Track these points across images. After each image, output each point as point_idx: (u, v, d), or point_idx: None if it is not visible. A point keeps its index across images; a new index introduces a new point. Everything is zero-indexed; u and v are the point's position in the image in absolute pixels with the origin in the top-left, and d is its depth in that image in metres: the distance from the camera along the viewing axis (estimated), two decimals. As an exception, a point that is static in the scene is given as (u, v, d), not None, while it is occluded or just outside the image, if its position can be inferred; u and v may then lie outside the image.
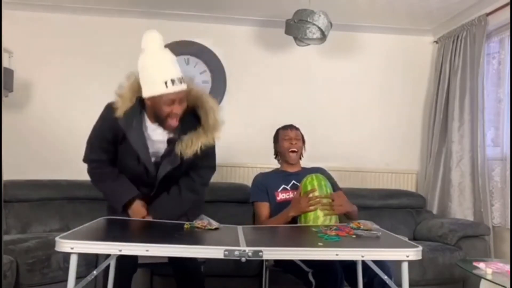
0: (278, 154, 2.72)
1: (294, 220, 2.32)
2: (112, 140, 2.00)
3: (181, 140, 1.96)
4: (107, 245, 1.56)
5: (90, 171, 2.10)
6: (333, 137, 3.91)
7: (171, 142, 2.00)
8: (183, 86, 1.88)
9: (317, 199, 2.22)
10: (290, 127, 2.67)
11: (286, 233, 2.11)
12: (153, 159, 2.03)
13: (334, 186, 2.60)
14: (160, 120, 1.95)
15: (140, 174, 2.03)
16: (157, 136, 2.02)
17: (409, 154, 4.04)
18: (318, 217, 2.21)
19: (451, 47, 3.60)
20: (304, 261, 2.20)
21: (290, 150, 2.59)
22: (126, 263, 2.08)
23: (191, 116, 1.99)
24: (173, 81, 1.85)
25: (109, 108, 1.98)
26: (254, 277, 2.87)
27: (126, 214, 2.08)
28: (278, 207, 2.49)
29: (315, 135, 3.86)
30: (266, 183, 2.60)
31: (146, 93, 1.90)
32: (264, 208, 2.55)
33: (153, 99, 1.88)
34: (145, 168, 2.00)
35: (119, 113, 1.92)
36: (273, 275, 2.53)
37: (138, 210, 2.06)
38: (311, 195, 2.23)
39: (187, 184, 2.09)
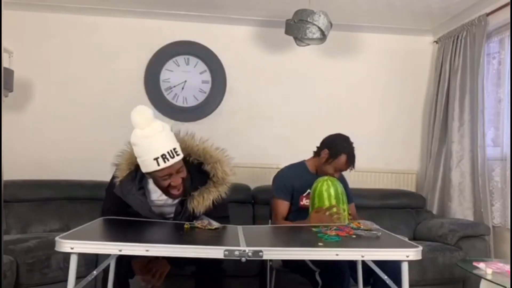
0: (320, 158, 2.50)
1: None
2: (121, 203, 2.01)
3: (192, 197, 1.96)
4: (107, 245, 1.56)
5: None
6: (333, 137, 3.90)
7: (182, 203, 2.01)
8: (176, 159, 1.86)
9: (338, 215, 2.16)
10: (353, 164, 2.45)
11: (286, 233, 2.11)
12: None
13: (349, 196, 2.51)
14: (162, 190, 1.98)
15: None
16: (163, 201, 2.05)
17: (409, 154, 4.04)
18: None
19: (451, 47, 3.60)
20: (312, 261, 2.17)
21: (333, 175, 2.44)
22: (124, 267, 2.07)
23: (199, 171, 1.99)
24: (164, 157, 1.83)
25: (111, 192, 2.03)
26: (254, 277, 2.87)
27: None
28: (299, 211, 2.45)
29: (315, 135, 3.86)
30: (293, 183, 2.48)
31: (142, 169, 1.92)
32: (284, 206, 2.48)
33: (150, 174, 1.92)
34: None
35: (117, 182, 1.96)
36: (275, 275, 2.53)
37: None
38: (335, 216, 2.16)
39: None
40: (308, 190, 2.42)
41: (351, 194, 2.58)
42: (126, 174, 1.96)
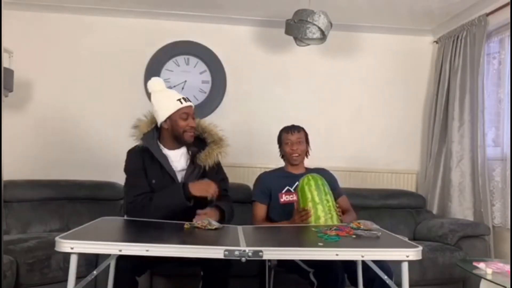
0: (283, 155, 2.72)
1: None
2: (143, 169, 2.24)
3: (199, 155, 2.28)
4: (107, 245, 1.56)
5: (136, 204, 2.15)
6: (333, 137, 3.90)
7: (192, 161, 2.29)
8: (192, 103, 2.30)
9: (307, 212, 2.23)
10: (292, 130, 2.63)
11: (286, 233, 2.11)
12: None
13: (336, 190, 2.61)
14: (178, 137, 2.26)
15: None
16: (174, 162, 2.29)
17: (409, 154, 4.04)
18: (319, 217, 2.22)
19: (451, 47, 3.60)
20: (304, 261, 2.20)
21: (292, 154, 2.59)
22: (131, 263, 2.06)
23: (198, 141, 2.35)
24: (184, 99, 2.27)
25: (130, 149, 2.32)
26: (254, 277, 2.86)
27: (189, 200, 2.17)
28: (281, 208, 2.50)
29: (315, 135, 3.86)
30: (270, 184, 2.60)
31: (164, 115, 2.23)
32: (261, 209, 2.58)
33: (170, 118, 2.24)
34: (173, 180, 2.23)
35: (139, 137, 2.26)
36: (275, 275, 2.53)
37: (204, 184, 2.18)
38: (303, 212, 2.24)
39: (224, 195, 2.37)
40: (287, 187, 2.56)
41: (339, 189, 2.68)
42: (147, 132, 2.26)
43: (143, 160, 2.23)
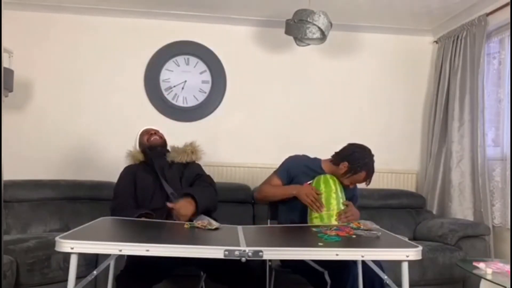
0: (338, 168, 2.42)
1: (305, 219, 2.32)
2: (133, 181, 2.42)
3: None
4: (107, 245, 1.56)
5: (113, 210, 2.36)
6: (333, 137, 3.89)
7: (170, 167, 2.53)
8: (154, 127, 2.67)
9: (318, 204, 2.23)
10: (371, 179, 2.44)
11: (286, 233, 2.12)
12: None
13: (356, 202, 2.55)
14: (149, 148, 2.52)
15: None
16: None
17: (409, 154, 4.04)
18: (332, 216, 2.23)
19: (451, 47, 3.60)
20: (318, 262, 2.15)
21: (347, 186, 2.43)
22: (146, 269, 2.04)
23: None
24: (149, 127, 2.66)
25: (126, 166, 2.55)
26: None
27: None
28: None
29: (315, 135, 3.87)
30: (297, 172, 2.48)
31: (137, 144, 2.61)
32: (277, 182, 2.50)
33: (140, 143, 2.59)
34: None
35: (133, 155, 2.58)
36: (276, 276, 2.53)
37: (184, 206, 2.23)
38: (319, 195, 2.25)
39: (201, 183, 2.48)
40: (311, 181, 2.43)
41: (357, 202, 2.58)
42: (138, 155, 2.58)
43: (135, 174, 2.45)
